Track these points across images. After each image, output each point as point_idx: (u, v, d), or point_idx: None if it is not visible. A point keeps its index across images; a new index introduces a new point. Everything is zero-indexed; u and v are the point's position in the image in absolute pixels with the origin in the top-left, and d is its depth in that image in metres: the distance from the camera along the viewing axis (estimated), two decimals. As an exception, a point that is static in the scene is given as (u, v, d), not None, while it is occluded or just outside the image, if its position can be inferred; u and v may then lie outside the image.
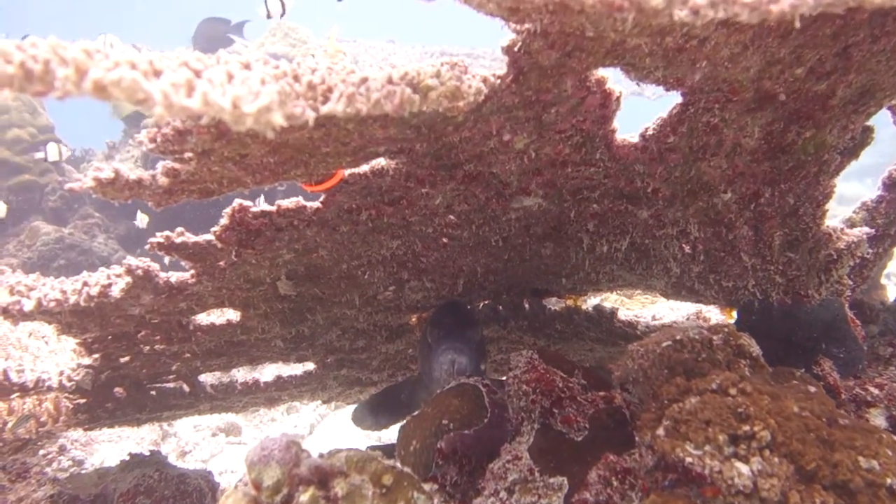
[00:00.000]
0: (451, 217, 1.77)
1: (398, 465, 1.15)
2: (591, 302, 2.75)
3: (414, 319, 2.66)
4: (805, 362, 1.81)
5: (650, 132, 1.49)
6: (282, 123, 0.76)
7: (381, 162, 1.48)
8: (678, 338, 1.33)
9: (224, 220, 1.52)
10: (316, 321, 2.29)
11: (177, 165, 1.24)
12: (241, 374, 3.10)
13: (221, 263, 1.68)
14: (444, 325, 2.19)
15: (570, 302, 2.51)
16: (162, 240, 1.52)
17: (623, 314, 2.48)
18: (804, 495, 1.01)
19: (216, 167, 1.27)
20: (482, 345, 2.22)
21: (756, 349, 1.31)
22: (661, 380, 1.31)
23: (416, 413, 1.73)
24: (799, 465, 1.05)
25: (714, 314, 2.66)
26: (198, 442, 8.81)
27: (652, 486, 1.17)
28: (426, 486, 1.36)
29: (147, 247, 1.51)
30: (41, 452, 5.30)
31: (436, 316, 2.30)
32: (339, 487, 1.05)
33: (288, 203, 1.55)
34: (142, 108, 0.65)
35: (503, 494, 1.40)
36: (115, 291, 1.57)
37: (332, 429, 10.03)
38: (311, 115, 0.82)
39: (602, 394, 1.55)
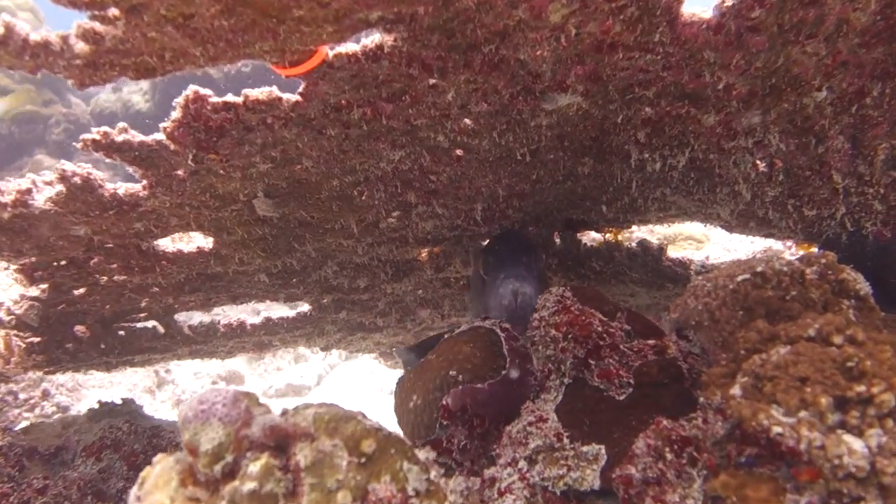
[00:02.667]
0: (467, 121, 1.52)
1: (384, 427, 0.94)
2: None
3: (424, 254, 2.44)
4: (906, 309, 1.58)
5: (728, 3, 1.22)
6: None
7: (375, 40, 1.23)
8: (759, 269, 1.09)
9: (176, 113, 1.29)
10: (306, 252, 2.08)
11: (98, 26, 1.01)
12: (226, 315, 2.93)
13: (179, 172, 1.46)
14: (498, 253, 1.98)
15: (609, 236, 2.27)
16: (98, 136, 1.30)
17: (672, 253, 2.24)
18: (943, 482, 0.79)
19: (153, 32, 1.03)
20: (544, 276, 2.00)
21: (864, 286, 1.08)
22: (735, 323, 1.08)
23: (419, 362, 1.53)
24: (934, 441, 0.82)
25: (784, 253, 2.41)
26: (195, 390, 8.85)
27: (722, 461, 0.95)
28: (421, 454, 1.16)
29: (79, 145, 1.29)
30: (22, 396, 5.28)
31: (488, 245, 2.10)
32: (302, 455, 0.85)
33: (258, 93, 1.31)
34: None
35: (523, 465, 1.20)
36: (40, 201, 1.36)
37: (341, 380, 10.03)
38: None
39: (652, 342, 1.32)
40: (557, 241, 2.33)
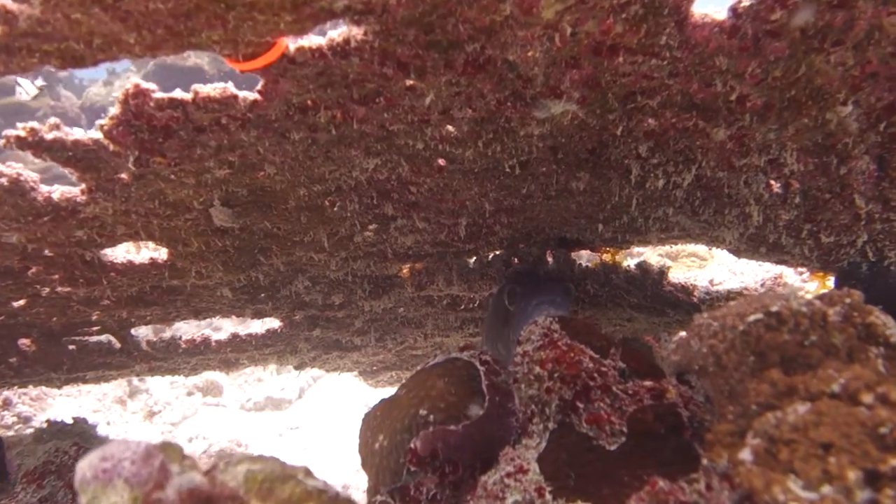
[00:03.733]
0: (450, 128, 1.41)
1: (331, 487, 0.83)
2: (629, 262, 2.41)
3: (405, 270, 2.33)
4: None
5: (745, 3, 1.11)
6: None
7: (343, 32, 1.13)
8: (774, 309, 0.98)
9: (115, 109, 1.17)
10: (274, 266, 1.96)
11: (11, 4, 0.89)
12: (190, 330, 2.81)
13: (123, 176, 1.34)
14: (527, 282, 1.94)
15: (606, 257, 2.16)
16: (24, 133, 1.18)
17: (675, 277, 2.13)
18: None
19: (77, 13, 0.92)
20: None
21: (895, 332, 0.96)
22: (746, 371, 0.97)
23: (387, 397, 1.41)
24: None
25: (795, 280, 2.30)
26: (170, 401, 8.70)
27: (727, 538, 0.83)
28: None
29: (1, 142, 1.17)
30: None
31: (513, 276, 2.07)
32: (227, 524, 0.73)
33: (210, 90, 1.20)
34: None
35: (498, 523, 1.08)
36: (-44, 205, 1.25)
37: (325, 394, 9.88)
38: None
39: (649, 384, 1.20)
40: (550, 260, 2.22)
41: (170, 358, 2.51)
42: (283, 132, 1.34)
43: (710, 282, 2.33)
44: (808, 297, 1.02)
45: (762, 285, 2.23)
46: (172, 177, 1.38)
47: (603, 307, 2.31)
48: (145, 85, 1.16)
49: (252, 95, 1.23)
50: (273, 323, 2.62)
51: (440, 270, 2.24)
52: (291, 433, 8.43)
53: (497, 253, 2.26)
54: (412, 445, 1.23)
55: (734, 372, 0.99)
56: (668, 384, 1.19)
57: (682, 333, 2.49)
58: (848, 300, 0.99)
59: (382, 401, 1.41)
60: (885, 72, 1.18)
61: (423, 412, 1.26)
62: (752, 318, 0.99)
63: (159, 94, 1.17)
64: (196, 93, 1.19)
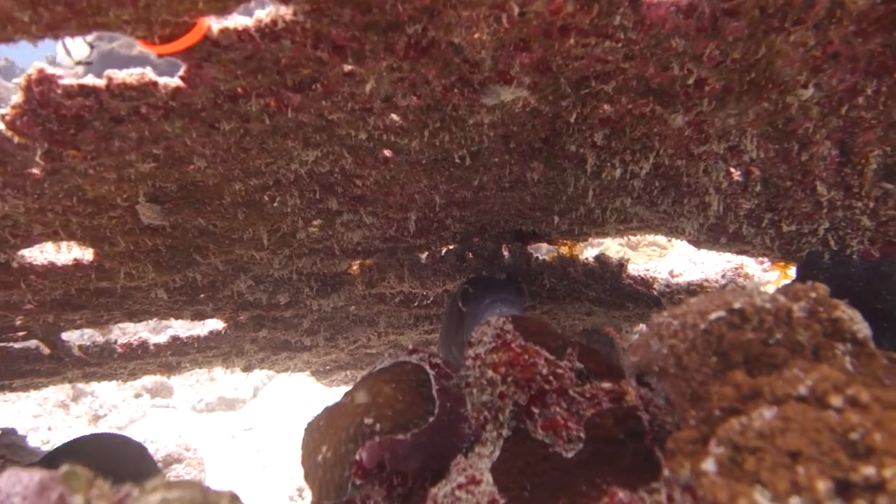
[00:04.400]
0: (394, 116, 1.35)
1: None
2: (589, 251, 2.38)
3: (355, 267, 2.26)
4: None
5: (702, -20, 1.07)
6: None
7: (270, 12, 1.05)
8: (736, 306, 0.94)
9: (17, 97, 1.08)
10: (212, 266, 1.88)
11: None
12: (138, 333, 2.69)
13: (35, 171, 1.24)
14: (480, 284, 1.94)
15: (564, 250, 2.12)
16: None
17: (634, 268, 2.10)
18: None
19: (-40, -11, 0.83)
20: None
21: (863, 328, 0.93)
22: (708, 372, 0.92)
23: (331, 405, 1.34)
24: (963, 543, 0.67)
25: (756, 270, 2.29)
26: (116, 404, 8.48)
27: (691, 556, 0.79)
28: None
29: None
30: None
31: (468, 280, 2.08)
32: (135, 565, 0.66)
33: (126, 76, 1.11)
34: None
35: (449, 539, 1.03)
36: None
37: (280, 392, 9.73)
38: None
39: (607, 386, 1.16)
40: (505, 254, 2.17)
41: (105, 363, 2.40)
42: (212, 122, 1.26)
43: (671, 273, 2.30)
44: (772, 291, 0.99)
45: (723, 276, 2.20)
46: (90, 171, 1.28)
47: (561, 301, 2.27)
48: (50, 70, 1.06)
49: (174, 82, 1.14)
50: (217, 324, 2.53)
51: (391, 266, 2.18)
52: (245, 434, 8.28)
53: (450, 248, 2.20)
54: (358, 457, 1.17)
55: (696, 373, 0.94)
56: (628, 386, 1.15)
57: (642, 326, 2.47)
58: (813, 294, 0.96)
59: (326, 408, 1.34)
60: (847, 52, 1.15)
61: (368, 421, 1.20)
62: (713, 315, 0.95)
63: (67, 81, 1.08)
64: (110, 79, 1.10)
